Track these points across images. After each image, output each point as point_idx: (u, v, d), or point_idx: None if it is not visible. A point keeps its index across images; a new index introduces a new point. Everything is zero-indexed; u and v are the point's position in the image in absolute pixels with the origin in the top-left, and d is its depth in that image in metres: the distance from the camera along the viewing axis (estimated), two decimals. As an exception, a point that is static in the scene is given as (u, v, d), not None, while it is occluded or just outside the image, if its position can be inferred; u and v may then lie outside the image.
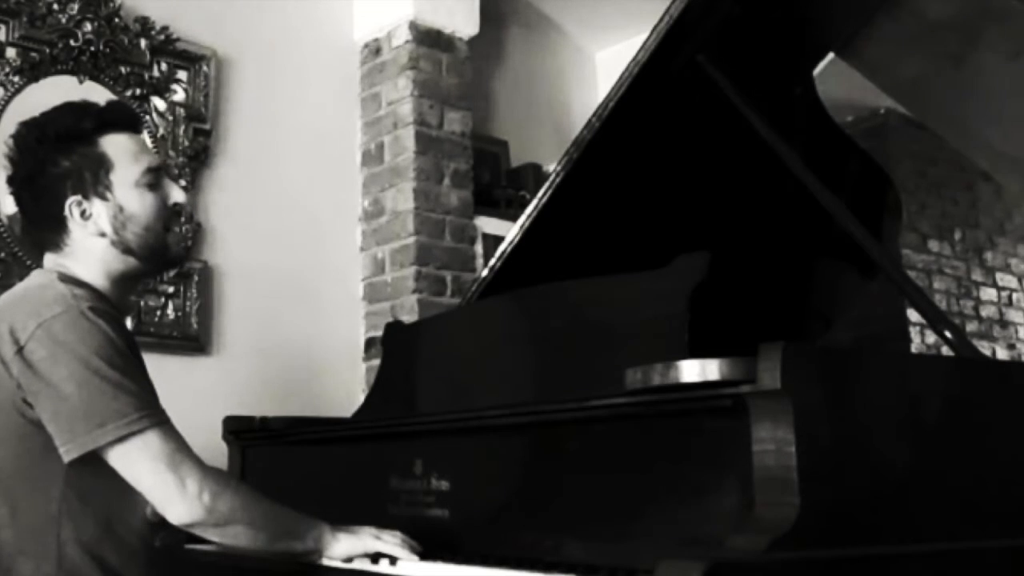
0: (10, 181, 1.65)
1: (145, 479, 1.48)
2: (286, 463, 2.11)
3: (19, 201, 1.66)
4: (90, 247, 1.62)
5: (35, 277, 1.63)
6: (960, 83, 2.21)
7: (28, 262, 2.53)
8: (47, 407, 1.47)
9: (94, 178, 1.61)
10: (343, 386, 3.05)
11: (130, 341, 1.58)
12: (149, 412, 1.48)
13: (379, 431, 1.90)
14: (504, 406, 1.63)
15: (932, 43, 2.18)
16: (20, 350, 1.47)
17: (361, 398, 2.78)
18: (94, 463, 1.48)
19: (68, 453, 1.46)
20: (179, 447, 1.50)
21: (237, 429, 2.16)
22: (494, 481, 1.62)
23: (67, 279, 1.57)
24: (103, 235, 1.61)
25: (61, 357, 1.46)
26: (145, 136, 1.79)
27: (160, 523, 1.56)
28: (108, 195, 1.61)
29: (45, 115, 1.65)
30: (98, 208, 1.61)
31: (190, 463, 1.49)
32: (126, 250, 1.62)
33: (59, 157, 1.60)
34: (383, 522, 1.66)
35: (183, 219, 1.75)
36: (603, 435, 1.46)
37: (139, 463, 1.47)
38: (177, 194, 1.69)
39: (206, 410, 2.16)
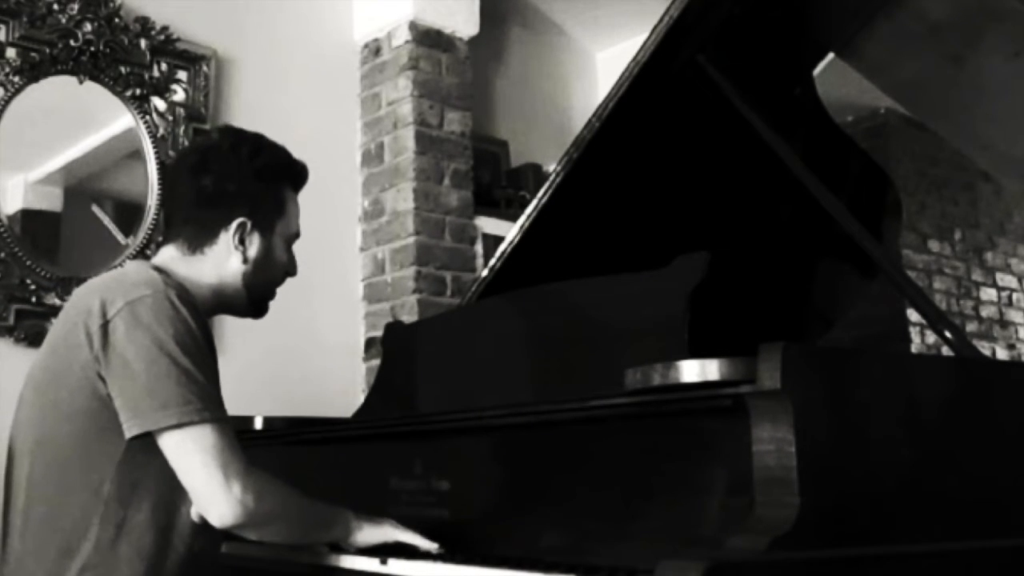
0: (202, 160, 1.69)
1: (194, 472, 1.49)
2: (286, 463, 2.11)
3: (193, 183, 1.68)
4: (224, 262, 1.67)
5: (130, 265, 1.75)
6: (960, 83, 2.21)
7: (28, 262, 2.54)
8: (116, 382, 1.49)
9: (267, 216, 1.70)
10: (343, 386, 3.05)
11: (209, 337, 1.60)
12: (212, 406, 1.51)
13: (379, 431, 1.90)
14: (504, 406, 1.63)
15: (932, 43, 2.18)
16: (105, 324, 1.50)
17: (361, 398, 2.78)
18: (146, 452, 1.49)
19: (130, 430, 1.48)
20: (231, 446, 1.51)
21: (237, 429, 2.13)
22: (494, 481, 1.62)
23: (159, 270, 1.61)
24: (245, 262, 1.67)
25: (138, 336, 1.49)
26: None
27: (203, 525, 1.56)
28: (268, 235, 1.70)
29: (265, 140, 1.74)
30: (255, 240, 1.68)
31: (238, 464, 1.50)
32: (247, 285, 1.70)
33: (256, 180, 1.68)
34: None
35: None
36: (603, 435, 1.47)
37: (192, 454, 1.48)
38: (294, 264, 1.77)
39: (206, 410, 2.16)
